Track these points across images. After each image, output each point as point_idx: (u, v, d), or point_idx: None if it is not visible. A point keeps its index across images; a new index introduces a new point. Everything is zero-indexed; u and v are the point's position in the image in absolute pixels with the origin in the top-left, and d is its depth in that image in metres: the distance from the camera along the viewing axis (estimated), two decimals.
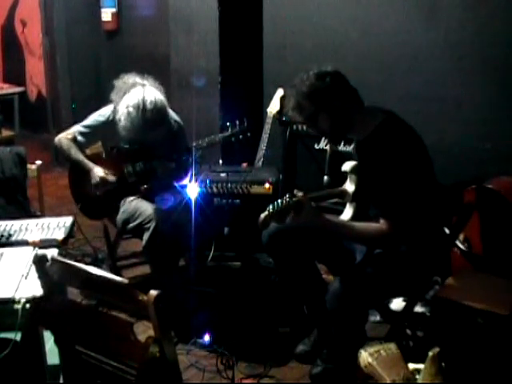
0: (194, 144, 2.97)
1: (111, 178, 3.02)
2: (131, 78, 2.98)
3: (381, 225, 2.28)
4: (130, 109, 2.83)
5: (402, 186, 2.25)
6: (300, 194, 2.28)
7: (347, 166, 2.55)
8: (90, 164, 3.05)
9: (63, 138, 3.08)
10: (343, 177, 2.59)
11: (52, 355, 2.13)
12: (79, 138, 3.07)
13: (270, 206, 2.26)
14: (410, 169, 2.27)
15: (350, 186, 2.53)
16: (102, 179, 3.00)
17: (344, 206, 2.54)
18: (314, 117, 2.34)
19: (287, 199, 2.26)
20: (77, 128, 3.09)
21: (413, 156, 2.30)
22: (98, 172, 3.01)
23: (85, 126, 3.09)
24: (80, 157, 3.06)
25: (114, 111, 2.95)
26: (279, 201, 2.26)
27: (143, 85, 2.93)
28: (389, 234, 2.26)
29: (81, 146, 3.09)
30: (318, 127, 2.38)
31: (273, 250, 2.63)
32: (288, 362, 2.74)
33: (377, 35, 3.62)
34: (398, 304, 2.85)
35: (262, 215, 2.26)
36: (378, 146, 2.28)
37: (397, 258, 2.34)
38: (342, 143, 3.57)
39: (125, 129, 2.88)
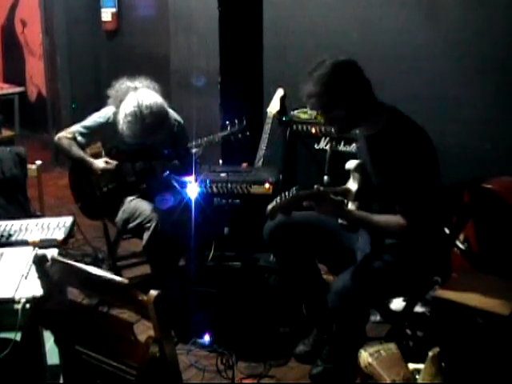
0: (194, 143, 2.97)
1: (112, 165, 3.02)
2: (123, 84, 2.97)
3: (400, 219, 2.27)
4: (129, 118, 2.82)
5: (421, 182, 2.25)
6: (315, 187, 2.31)
7: (351, 164, 2.53)
8: (91, 160, 3.05)
9: (63, 136, 3.08)
10: (343, 177, 2.58)
11: (52, 355, 2.13)
12: (79, 138, 3.07)
13: (278, 198, 2.30)
14: (427, 164, 2.28)
15: (352, 185, 2.51)
16: (104, 170, 3.01)
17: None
18: (329, 108, 2.30)
19: (294, 192, 2.29)
20: (76, 128, 3.10)
21: (427, 151, 2.29)
22: (99, 164, 3.02)
23: (84, 127, 3.09)
24: (81, 154, 3.06)
25: (115, 120, 2.94)
26: (286, 193, 2.30)
27: (135, 88, 2.92)
28: (407, 228, 2.26)
29: (80, 146, 3.09)
30: (331, 117, 2.34)
31: (274, 246, 2.64)
32: (288, 362, 2.74)
33: (377, 35, 3.62)
34: (398, 304, 2.85)
35: (270, 206, 2.31)
36: (396, 141, 2.26)
37: (397, 258, 2.34)
38: (342, 143, 3.57)
39: (129, 138, 2.88)
